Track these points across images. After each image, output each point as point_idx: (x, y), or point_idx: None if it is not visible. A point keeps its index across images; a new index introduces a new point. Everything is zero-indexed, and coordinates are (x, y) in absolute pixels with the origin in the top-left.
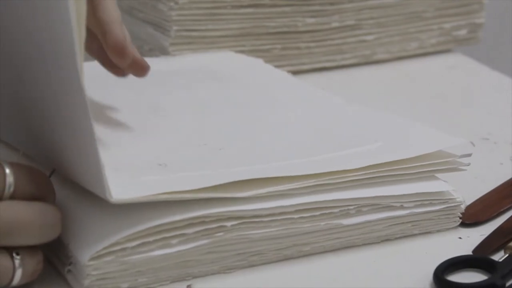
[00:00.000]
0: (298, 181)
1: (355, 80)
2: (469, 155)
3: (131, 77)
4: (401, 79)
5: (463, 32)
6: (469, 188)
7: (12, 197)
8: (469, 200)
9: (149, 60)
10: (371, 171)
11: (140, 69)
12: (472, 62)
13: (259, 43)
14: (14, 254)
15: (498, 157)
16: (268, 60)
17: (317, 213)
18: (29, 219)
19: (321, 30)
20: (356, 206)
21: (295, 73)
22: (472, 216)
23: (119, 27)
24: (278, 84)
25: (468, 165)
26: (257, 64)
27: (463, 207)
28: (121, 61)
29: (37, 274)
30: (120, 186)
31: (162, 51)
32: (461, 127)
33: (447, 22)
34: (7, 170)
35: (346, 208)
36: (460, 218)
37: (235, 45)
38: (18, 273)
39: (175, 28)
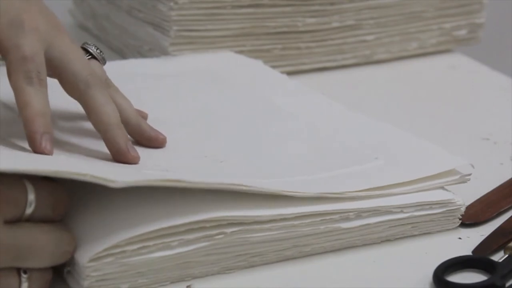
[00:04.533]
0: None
1: (355, 80)
2: (469, 174)
3: (131, 86)
4: (401, 79)
5: (463, 32)
6: (469, 188)
7: (32, 215)
8: (469, 200)
9: (149, 61)
10: (371, 192)
11: (156, 144)
12: (472, 62)
13: (259, 43)
14: (22, 273)
15: (498, 157)
16: (268, 60)
17: (318, 219)
18: (43, 246)
19: (321, 30)
20: (356, 212)
21: (295, 73)
22: (472, 216)
23: (116, 131)
24: (279, 89)
25: (469, 180)
26: (256, 67)
27: (463, 209)
28: (126, 162)
29: None
30: (122, 175)
31: (162, 51)
32: (461, 127)
33: (447, 22)
34: (28, 187)
35: (346, 214)
36: (460, 219)
37: (235, 45)
38: None
39: (175, 28)
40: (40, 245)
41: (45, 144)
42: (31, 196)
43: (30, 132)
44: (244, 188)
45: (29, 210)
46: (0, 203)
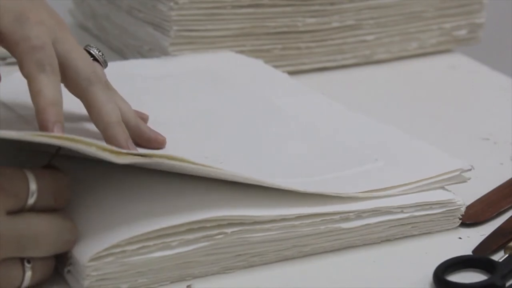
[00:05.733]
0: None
1: (355, 80)
2: (469, 170)
3: (131, 87)
4: (401, 79)
5: (463, 32)
6: (469, 188)
7: (34, 205)
8: (469, 200)
9: (149, 61)
10: (371, 193)
11: (156, 145)
12: (472, 62)
13: (259, 43)
14: (25, 262)
15: (498, 157)
16: (268, 60)
17: (318, 219)
18: (46, 235)
19: (321, 30)
20: (356, 212)
21: (295, 73)
22: (472, 216)
23: (117, 129)
24: (279, 89)
25: (469, 179)
26: (257, 66)
27: (463, 209)
28: None
29: (46, 278)
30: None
31: (162, 51)
32: (461, 127)
33: (447, 22)
34: (30, 178)
35: (346, 214)
36: (460, 219)
37: (235, 45)
38: (27, 279)
39: (175, 28)
40: (42, 235)
41: (56, 132)
42: (33, 186)
43: (42, 120)
44: (241, 177)
45: (31, 200)
46: (2, 195)
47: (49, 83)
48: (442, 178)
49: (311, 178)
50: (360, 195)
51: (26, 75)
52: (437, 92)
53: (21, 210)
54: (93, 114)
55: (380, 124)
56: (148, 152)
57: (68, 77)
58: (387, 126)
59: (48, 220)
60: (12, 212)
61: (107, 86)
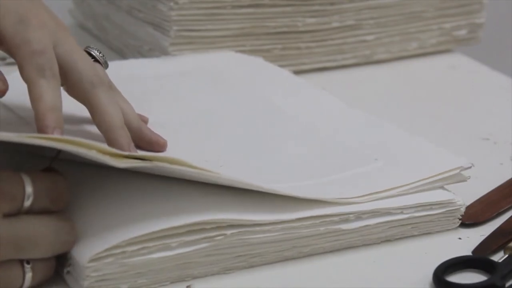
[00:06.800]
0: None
1: (355, 80)
2: (469, 168)
3: (131, 87)
4: (401, 79)
5: (463, 32)
6: (469, 188)
7: (31, 208)
8: (469, 200)
9: (149, 61)
10: (371, 196)
11: (157, 148)
12: (472, 62)
13: (259, 43)
14: (24, 263)
15: (498, 157)
16: (268, 60)
17: (318, 221)
18: (43, 236)
19: (321, 30)
20: (356, 214)
21: (295, 73)
22: (472, 217)
23: (119, 132)
24: (279, 88)
25: (469, 178)
26: (257, 64)
27: (463, 209)
28: None
29: (47, 279)
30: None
31: (162, 51)
32: (461, 127)
33: (447, 22)
34: (26, 181)
35: (346, 216)
36: (460, 219)
37: (235, 45)
38: (27, 281)
39: (175, 28)
40: (40, 236)
41: None
42: (29, 189)
43: (41, 126)
44: (240, 183)
45: (27, 203)
46: None
47: (49, 88)
48: (442, 177)
49: (311, 180)
50: (360, 199)
51: (26, 79)
52: (437, 92)
53: (18, 213)
54: (96, 117)
55: (380, 122)
56: (149, 155)
57: (70, 80)
58: (386, 123)
59: (46, 222)
60: (9, 215)
61: (110, 87)
